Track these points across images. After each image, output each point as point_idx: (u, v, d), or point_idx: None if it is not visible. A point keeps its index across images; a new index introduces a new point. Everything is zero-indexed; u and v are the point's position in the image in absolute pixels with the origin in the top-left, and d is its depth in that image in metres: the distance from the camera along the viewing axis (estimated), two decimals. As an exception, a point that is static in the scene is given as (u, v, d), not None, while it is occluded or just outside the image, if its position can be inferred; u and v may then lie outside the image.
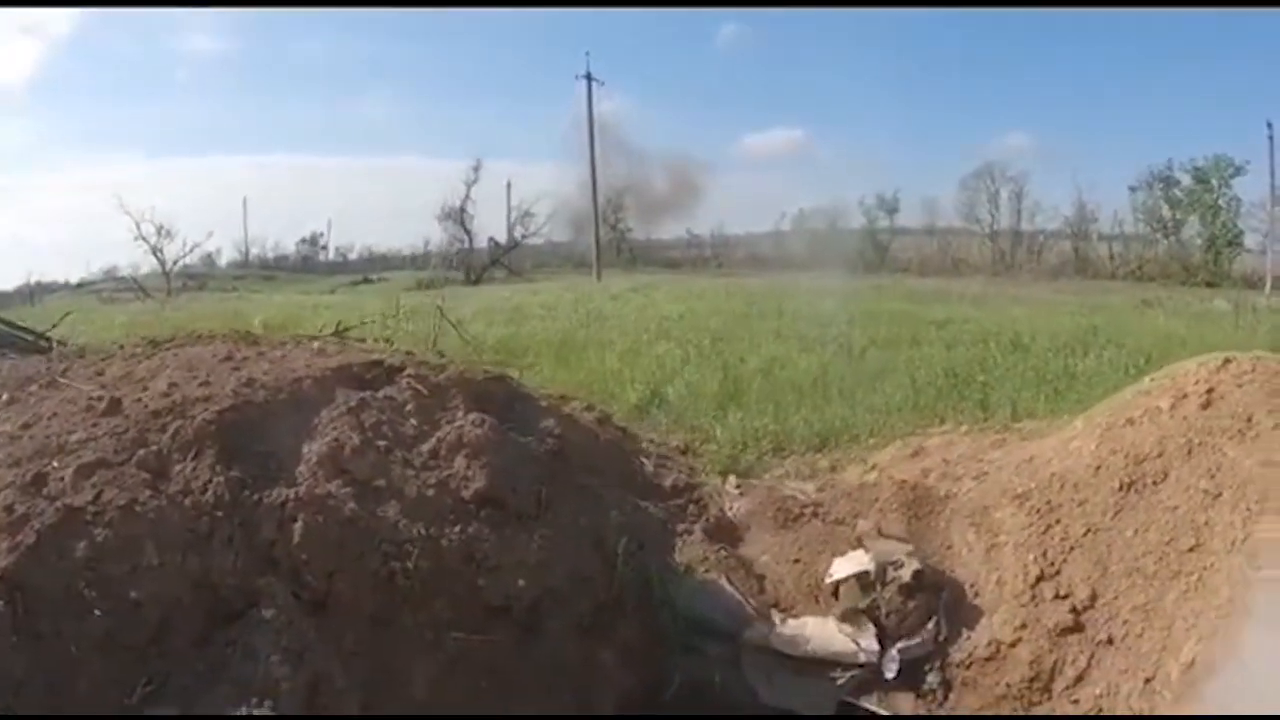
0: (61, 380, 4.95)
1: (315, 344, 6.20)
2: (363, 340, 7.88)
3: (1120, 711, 4.25)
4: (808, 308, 16.11)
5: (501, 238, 39.16)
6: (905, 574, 4.95)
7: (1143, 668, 4.26)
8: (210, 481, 4.06)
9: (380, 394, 5.11)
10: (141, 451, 4.09)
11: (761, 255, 37.28)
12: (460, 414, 5.11)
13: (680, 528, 5.43)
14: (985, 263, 35.78)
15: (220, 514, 3.96)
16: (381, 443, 4.72)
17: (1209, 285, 28.89)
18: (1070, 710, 4.45)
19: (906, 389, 9.17)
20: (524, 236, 39.13)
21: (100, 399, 4.51)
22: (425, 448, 4.86)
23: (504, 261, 38.21)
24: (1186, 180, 34.87)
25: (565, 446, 5.38)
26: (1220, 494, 4.57)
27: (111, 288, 31.07)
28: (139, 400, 4.54)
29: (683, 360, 10.74)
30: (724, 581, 5.07)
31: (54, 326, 7.75)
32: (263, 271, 39.68)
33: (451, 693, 4.10)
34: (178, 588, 3.68)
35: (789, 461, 6.93)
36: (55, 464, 3.93)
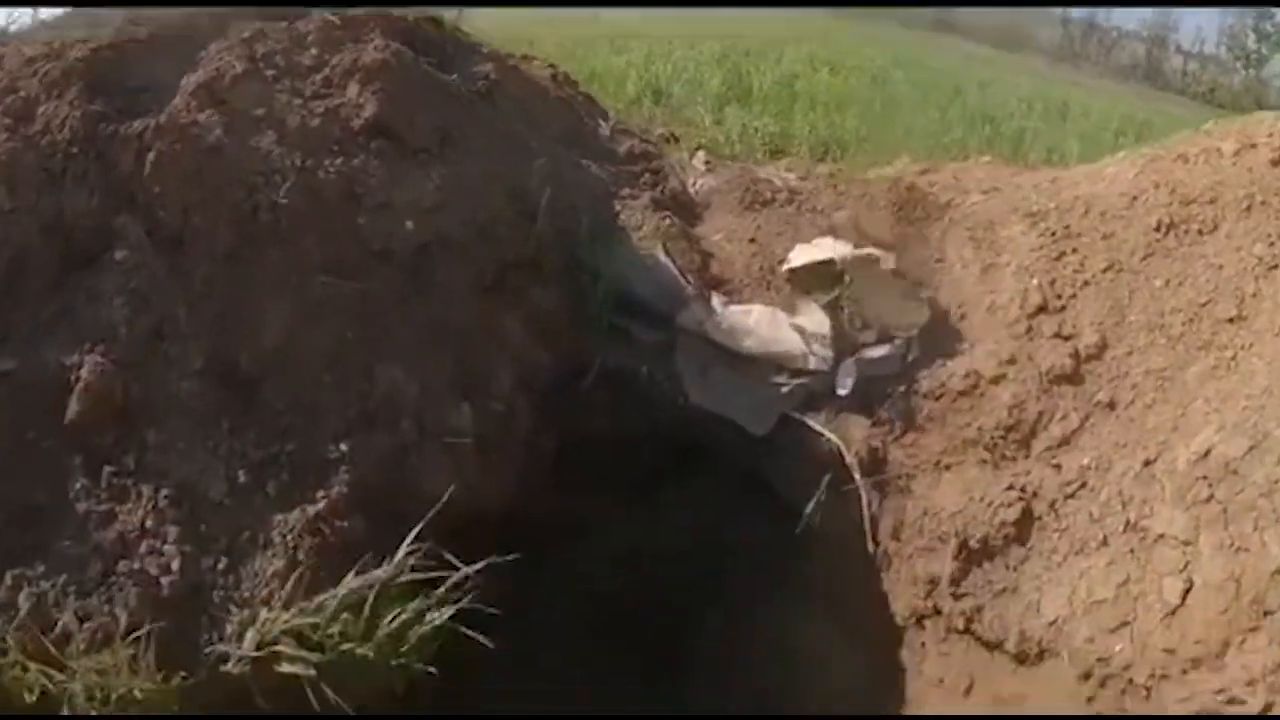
0: None
1: None
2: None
3: (1105, 492, 3.59)
4: (850, 38, 14.78)
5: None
6: (879, 273, 4.17)
7: (1145, 446, 3.55)
8: (69, 117, 3.58)
9: (283, 25, 4.33)
10: (9, 99, 3.64)
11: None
12: (371, 46, 4.26)
13: (625, 192, 4.61)
14: (1053, 46, 33.42)
15: (76, 150, 3.50)
16: (270, 72, 4.04)
17: None
18: (1048, 476, 3.79)
19: (935, 122, 8.17)
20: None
21: None
22: (319, 77, 4.12)
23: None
24: None
25: (496, 90, 4.58)
26: (1276, 266, 3.75)
27: None
28: (20, 51, 3.96)
29: (696, 63, 9.74)
30: (660, 252, 4.30)
31: None
32: None
33: (311, 341, 3.55)
34: (30, 233, 3.34)
35: (784, 163, 6.03)
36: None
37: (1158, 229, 4.04)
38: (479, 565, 3.13)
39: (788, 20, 17.37)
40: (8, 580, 2.87)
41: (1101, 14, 34.99)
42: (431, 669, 3.06)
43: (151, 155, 3.50)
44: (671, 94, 7.93)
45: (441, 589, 3.07)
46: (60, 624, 2.83)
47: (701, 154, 5.15)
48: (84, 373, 3.10)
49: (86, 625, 2.84)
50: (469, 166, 4.07)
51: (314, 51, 4.22)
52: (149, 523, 3.02)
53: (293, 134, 3.82)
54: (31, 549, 2.94)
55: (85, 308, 3.26)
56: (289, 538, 3.14)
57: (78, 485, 3.03)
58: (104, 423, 3.11)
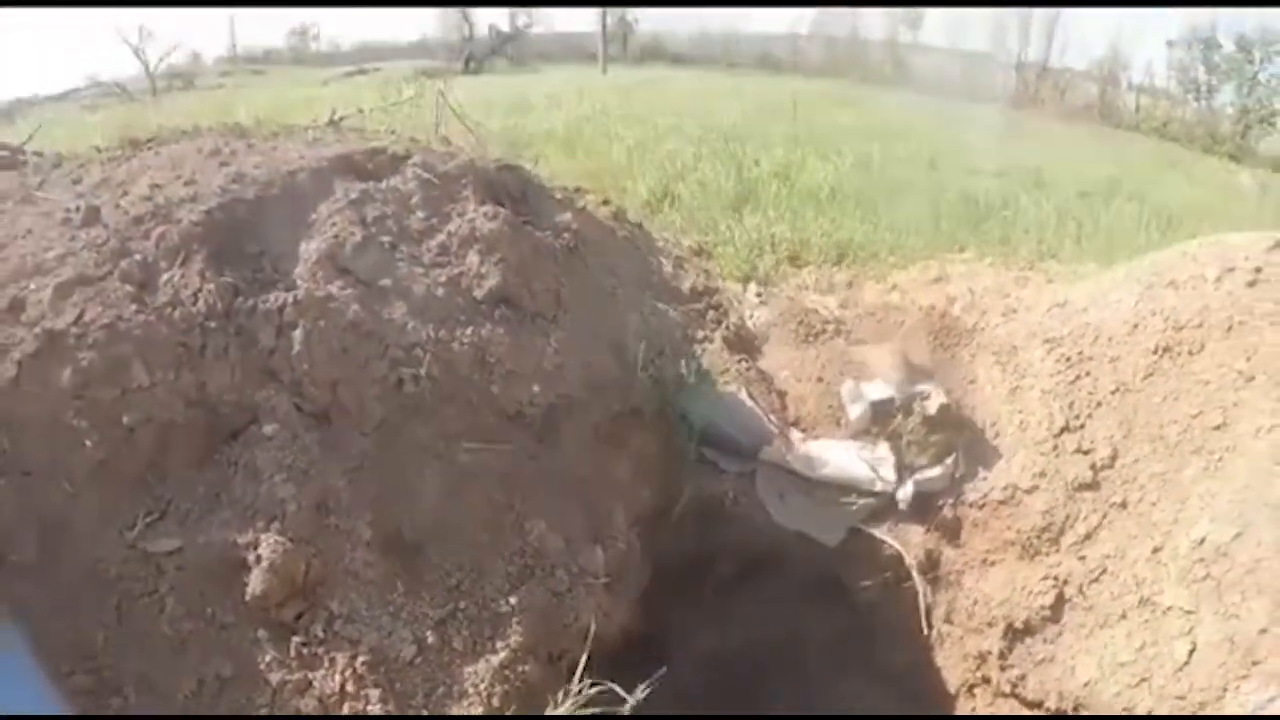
0: (37, 194, 4.39)
1: (310, 134, 5.62)
2: (360, 130, 7.32)
3: (1123, 575, 4.21)
4: (822, 116, 15.50)
5: (503, 25, 37.09)
6: (931, 406, 4.83)
7: (1152, 537, 4.19)
8: (200, 290, 3.66)
9: (383, 185, 4.62)
10: (124, 263, 3.68)
11: (775, 57, 35.67)
12: (471, 206, 4.65)
13: (699, 335, 5.11)
14: (1007, 92, 34.29)
15: (213, 324, 3.59)
16: (386, 238, 4.28)
17: (1233, 159, 27.76)
18: (1075, 566, 4.41)
19: (926, 210, 8.80)
20: (527, 25, 37.10)
21: (77, 209, 3.99)
22: (434, 243, 4.42)
23: (506, 51, 36.29)
24: (1229, 47, 33.14)
25: (582, 243, 4.97)
26: (1254, 378, 4.37)
27: (95, 94, 28.97)
28: (118, 207, 4.05)
29: (695, 157, 10.26)
30: (745, 396, 4.86)
31: (30, 138, 6.91)
32: (251, 66, 37.17)
33: (465, 505, 3.83)
34: (172, 408, 3.39)
35: (806, 272, 6.65)
36: (33, 285, 3.53)
37: (1155, 352, 4.69)
38: (641, 692, 3.42)
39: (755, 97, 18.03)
40: (213, 750, 2.96)
41: (1055, 55, 36.25)
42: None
43: (298, 333, 3.66)
44: (681, 197, 8.43)
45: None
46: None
47: (754, 286, 5.68)
48: (263, 551, 3.19)
49: (303, 789, 2.98)
50: (578, 326, 4.46)
51: (421, 215, 4.53)
52: (349, 686, 3.15)
53: (420, 304, 4.09)
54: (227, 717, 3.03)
55: (246, 485, 3.36)
56: (481, 687, 3.35)
57: (267, 657, 3.10)
58: (287, 598, 3.23)
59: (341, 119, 8.50)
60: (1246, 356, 4.45)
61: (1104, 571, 4.33)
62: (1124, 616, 4.14)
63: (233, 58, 38.47)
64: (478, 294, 4.29)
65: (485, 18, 36.54)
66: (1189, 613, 3.82)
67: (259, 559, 3.20)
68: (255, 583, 3.17)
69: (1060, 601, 4.45)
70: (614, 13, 35.95)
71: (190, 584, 3.16)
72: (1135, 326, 4.84)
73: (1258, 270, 4.78)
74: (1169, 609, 3.92)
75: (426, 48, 36.45)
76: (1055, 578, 4.48)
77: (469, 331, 4.10)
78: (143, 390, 3.34)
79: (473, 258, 4.38)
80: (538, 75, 27.40)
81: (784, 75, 28.81)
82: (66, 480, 3.21)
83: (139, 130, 6.33)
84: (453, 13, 35.87)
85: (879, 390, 4.92)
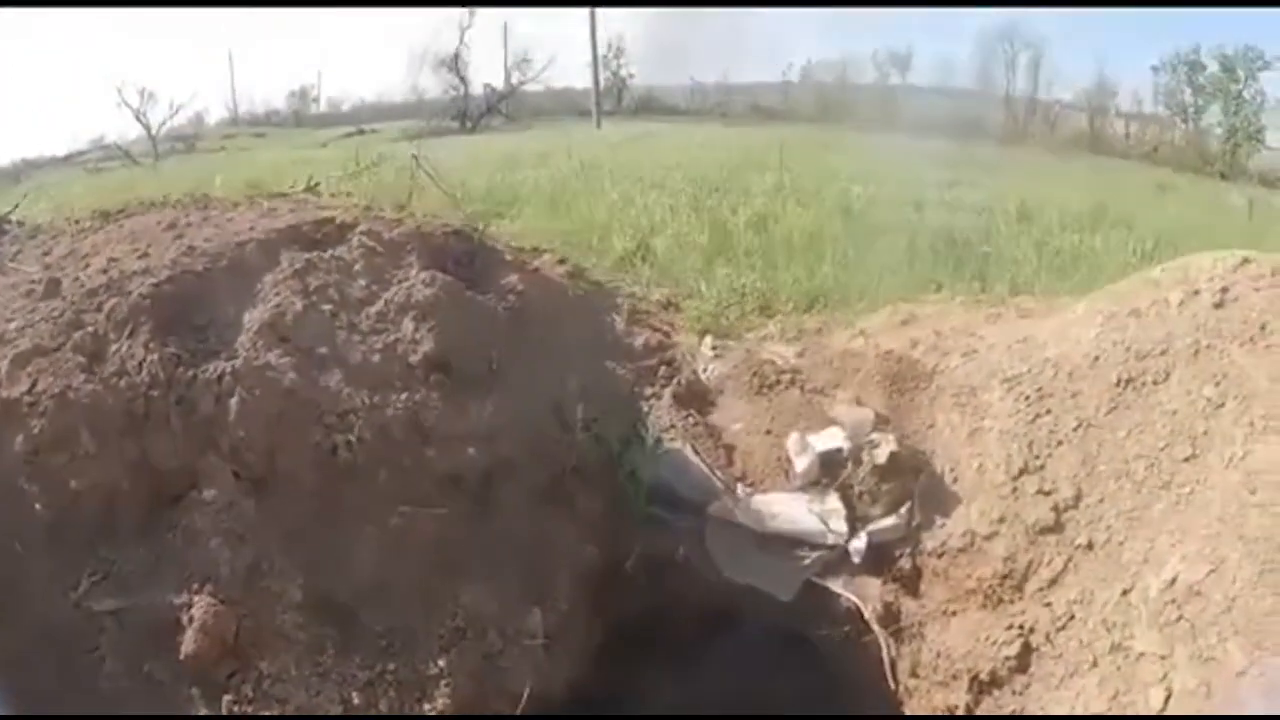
0: (10, 265, 4.70)
1: (265, 204, 5.77)
2: (320, 196, 7.39)
3: (1091, 621, 4.05)
4: (809, 162, 15.55)
5: (498, 84, 37.57)
6: (881, 455, 4.73)
7: (1121, 579, 4.04)
8: (145, 360, 3.86)
9: (329, 254, 4.74)
10: (77, 334, 3.92)
11: (767, 107, 36.03)
12: (413, 273, 4.73)
13: (649, 392, 5.13)
14: (996, 128, 34.44)
15: (156, 394, 3.79)
16: (326, 306, 4.42)
17: (1223, 177, 27.88)
18: (1041, 613, 4.26)
19: (903, 252, 8.72)
20: (521, 83, 37.57)
21: (40, 281, 4.26)
22: (373, 310, 4.53)
23: (501, 109, 36.73)
24: (1213, 67, 33.47)
25: (527, 305, 5.03)
26: (1223, 404, 4.24)
27: (98, 157, 29.63)
28: (77, 279, 4.28)
29: (672, 211, 10.20)
30: (690, 452, 4.82)
31: (15, 207, 7.18)
32: (253, 129, 37.82)
33: (398, 570, 3.89)
34: (117, 474, 3.61)
35: (775, 322, 6.57)
36: (-6, 356, 3.76)
37: (1118, 384, 4.57)
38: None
39: (745, 147, 18.13)
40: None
41: (1042, 88, 36.47)
42: None
43: (234, 401, 3.80)
44: (656, 252, 8.41)
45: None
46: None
47: (709, 339, 5.66)
48: (196, 612, 3.35)
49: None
50: (516, 389, 4.50)
51: (363, 282, 4.63)
52: (275, 745, 3.25)
53: (356, 371, 4.19)
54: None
55: (186, 549, 3.51)
56: (404, 750, 3.39)
57: (200, 714, 3.27)
58: (219, 658, 3.36)
59: (315, 185, 8.56)
60: (1215, 381, 4.35)
61: (1071, 618, 4.18)
62: (1095, 664, 3.96)
63: (235, 119, 39.01)
64: (413, 360, 4.36)
65: (480, 76, 36.97)
66: (1163, 657, 3.65)
67: (191, 619, 3.36)
68: (188, 642, 3.30)
69: (1027, 651, 4.28)
70: (608, 69, 36.41)
71: (129, 643, 3.29)
72: (1096, 359, 4.74)
73: (1224, 290, 4.68)
74: (1142, 654, 3.75)
75: (425, 106, 36.86)
76: (1021, 626, 4.32)
77: (404, 397, 4.20)
78: (89, 457, 3.58)
79: (408, 324, 4.45)
80: (533, 132, 27.69)
81: (776, 123, 29.01)
82: (18, 542, 3.42)
83: (134, 197, 6.49)
84: (447, 72, 36.33)
85: (826, 441, 4.83)
